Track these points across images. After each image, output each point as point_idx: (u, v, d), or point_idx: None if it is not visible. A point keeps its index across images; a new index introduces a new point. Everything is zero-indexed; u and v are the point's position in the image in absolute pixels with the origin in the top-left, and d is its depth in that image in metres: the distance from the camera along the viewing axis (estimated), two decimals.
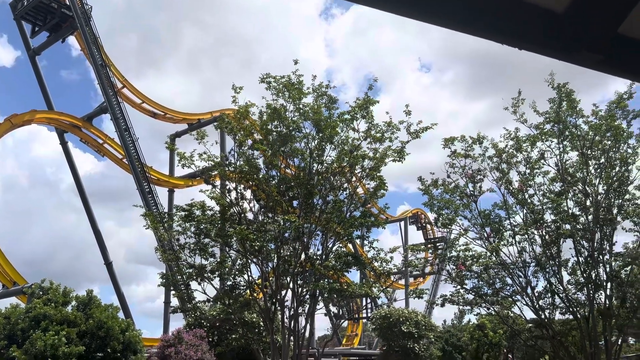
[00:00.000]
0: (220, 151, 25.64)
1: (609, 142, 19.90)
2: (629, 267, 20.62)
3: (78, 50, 47.61)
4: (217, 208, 20.20)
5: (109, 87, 43.95)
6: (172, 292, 25.12)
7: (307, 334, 21.30)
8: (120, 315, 26.89)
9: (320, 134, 19.21)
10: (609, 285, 20.27)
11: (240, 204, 20.16)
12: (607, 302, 20.25)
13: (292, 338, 20.04)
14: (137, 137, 44.61)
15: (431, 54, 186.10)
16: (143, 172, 43.51)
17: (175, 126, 52.36)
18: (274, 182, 20.34)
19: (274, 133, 19.76)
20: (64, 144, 47.72)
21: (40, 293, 24.28)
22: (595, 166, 20.27)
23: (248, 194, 20.90)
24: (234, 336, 35.73)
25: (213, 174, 21.30)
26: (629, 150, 19.95)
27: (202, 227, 19.69)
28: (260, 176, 20.08)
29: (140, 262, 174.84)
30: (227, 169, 20.29)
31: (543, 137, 20.54)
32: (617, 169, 19.93)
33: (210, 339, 35.72)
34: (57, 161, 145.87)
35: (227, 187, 20.66)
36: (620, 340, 21.79)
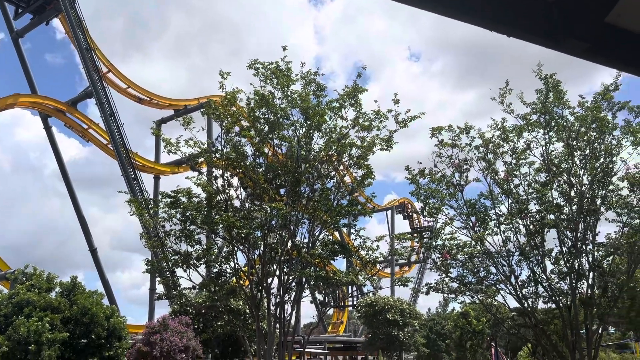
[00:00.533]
0: (207, 138, 25.48)
1: (594, 134, 20.08)
2: (611, 257, 20.93)
3: (62, 33, 47.02)
4: (203, 195, 20.11)
5: (94, 71, 43.37)
6: (158, 279, 25.03)
7: (292, 322, 21.38)
8: (105, 302, 26.77)
9: (308, 122, 19.15)
10: (591, 275, 20.56)
11: (227, 191, 20.09)
12: (589, 291, 20.55)
13: (277, 325, 20.10)
14: (123, 122, 44.17)
15: (421, 43, 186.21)
16: (128, 158, 43.15)
17: (161, 112, 51.94)
18: (261, 169, 20.28)
19: (262, 120, 19.66)
20: (47, 128, 47.12)
21: (24, 279, 24.08)
22: (580, 157, 20.46)
23: (235, 181, 20.82)
24: (219, 323, 35.78)
25: (199, 160, 21.17)
26: (614, 142, 20.15)
27: (188, 214, 19.59)
28: (248, 163, 20.00)
29: (126, 249, 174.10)
30: (213, 155, 20.17)
31: (529, 128, 20.67)
32: (602, 160, 20.14)
33: (196, 326, 35.74)
34: (41, 146, 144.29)
35: (214, 174, 20.55)
36: (601, 329, 22.16)
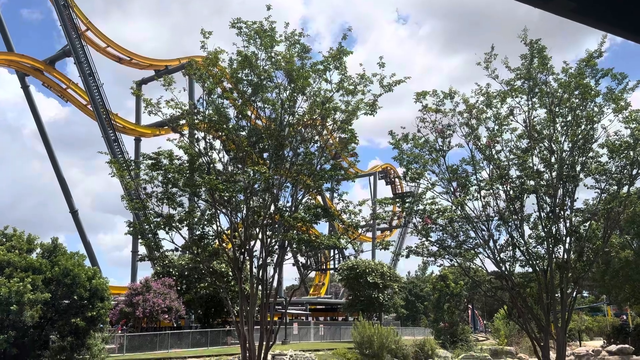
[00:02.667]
0: (189, 99, 25.08)
1: (577, 100, 20.18)
2: (588, 223, 21.37)
3: None
4: (185, 157, 19.92)
5: (72, 29, 42.15)
6: (140, 240, 25.01)
7: (275, 284, 21.59)
8: (87, 263, 26.73)
9: (292, 85, 18.89)
10: (568, 239, 21.01)
11: (209, 154, 19.91)
12: (566, 255, 21.04)
13: (260, 287, 20.31)
14: (102, 82, 43.33)
15: (409, 5, 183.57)
16: (108, 119, 42.45)
17: (142, 72, 50.95)
18: (244, 132, 20.07)
19: (245, 82, 19.34)
20: (25, 87, 46.02)
21: (4, 240, 23.88)
22: (562, 124, 20.61)
23: (217, 144, 20.61)
24: (202, 285, 36.11)
25: (181, 123, 20.87)
26: (595, 109, 20.29)
27: (169, 176, 19.43)
28: (230, 126, 19.77)
29: (108, 210, 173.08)
30: (195, 117, 19.89)
31: (513, 94, 20.70)
32: (583, 127, 20.31)
33: (179, 288, 36.04)
34: (19, 105, 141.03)
35: (196, 137, 20.32)
36: (575, 293, 22.80)
